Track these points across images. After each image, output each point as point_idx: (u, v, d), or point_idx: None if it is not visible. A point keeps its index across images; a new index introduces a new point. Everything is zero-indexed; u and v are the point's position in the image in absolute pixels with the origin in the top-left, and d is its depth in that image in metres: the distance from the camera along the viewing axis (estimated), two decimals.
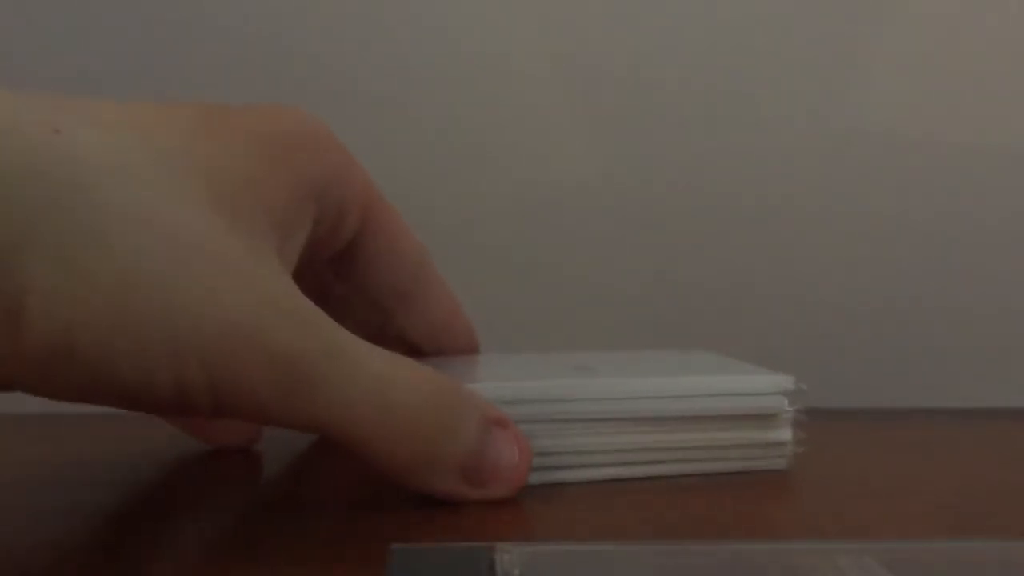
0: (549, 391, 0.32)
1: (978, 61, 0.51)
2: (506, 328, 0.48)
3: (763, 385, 0.33)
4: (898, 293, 0.52)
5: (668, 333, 0.49)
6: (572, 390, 0.32)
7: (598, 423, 0.32)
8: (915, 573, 0.22)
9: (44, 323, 0.20)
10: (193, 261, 0.22)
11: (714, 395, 0.33)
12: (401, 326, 0.33)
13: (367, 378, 0.24)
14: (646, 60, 0.51)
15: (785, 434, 0.33)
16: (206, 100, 0.27)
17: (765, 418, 0.33)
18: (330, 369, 0.23)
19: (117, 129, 0.23)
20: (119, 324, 0.21)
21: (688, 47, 0.51)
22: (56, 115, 0.21)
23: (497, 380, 0.31)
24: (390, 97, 0.49)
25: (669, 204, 0.51)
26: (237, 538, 0.26)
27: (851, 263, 0.51)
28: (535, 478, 0.31)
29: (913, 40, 0.51)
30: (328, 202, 0.27)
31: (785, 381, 0.33)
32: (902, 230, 0.51)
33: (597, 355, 0.39)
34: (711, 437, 0.33)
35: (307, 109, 0.28)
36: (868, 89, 0.51)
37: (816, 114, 0.51)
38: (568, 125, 0.50)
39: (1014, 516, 0.29)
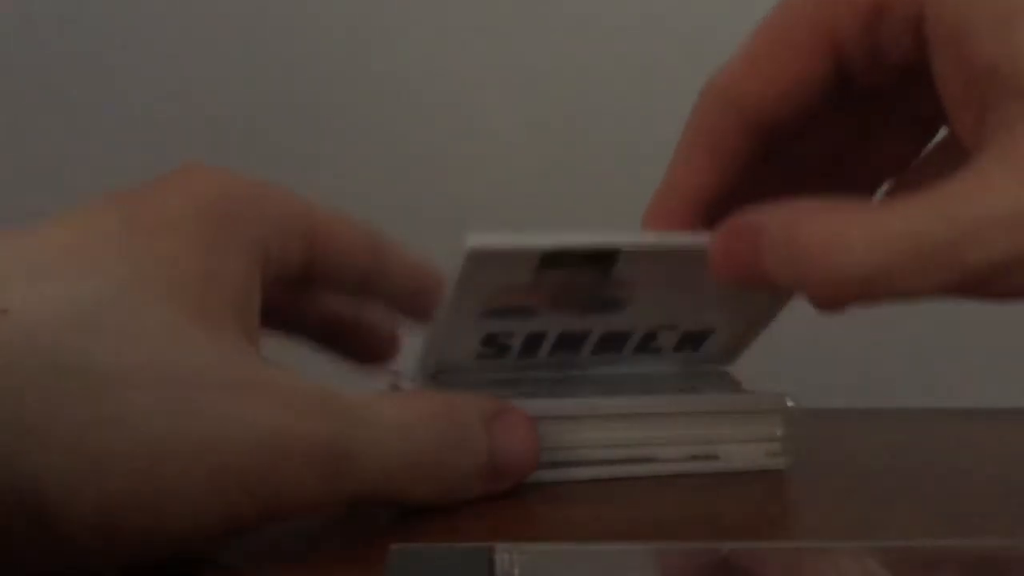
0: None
1: None
2: None
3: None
4: None
5: None
6: (568, 384, 0.32)
7: (595, 420, 0.32)
8: (915, 573, 0.22)
9: (73, 510, 0.20)
10: (198, 393, 0.22)
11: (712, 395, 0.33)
12: (380, 306, 0.33)
13: (390, 436, 0.25)
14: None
15: (782, 432, 0.33)
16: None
17: (763, 416, 0.33)
18: (358, 442, 0.24)
19: (56, 279, 0.22)
20: (151, 488, 0.21)
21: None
22: None
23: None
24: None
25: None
26: (238, 538, 0.26)
27: None
28: (538, 476, 0.31)
29: None
30: (273, 255, 0.27)
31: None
32: None
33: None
34: (710, 435, 0.33)
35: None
36: None
37: None
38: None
39: (1014, 516, 0.29)
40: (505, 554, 0.21)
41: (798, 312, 0.51)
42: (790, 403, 0.34)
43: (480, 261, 0.27)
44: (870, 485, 0.32)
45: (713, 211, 0.29)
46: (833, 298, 0.24)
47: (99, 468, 0.20)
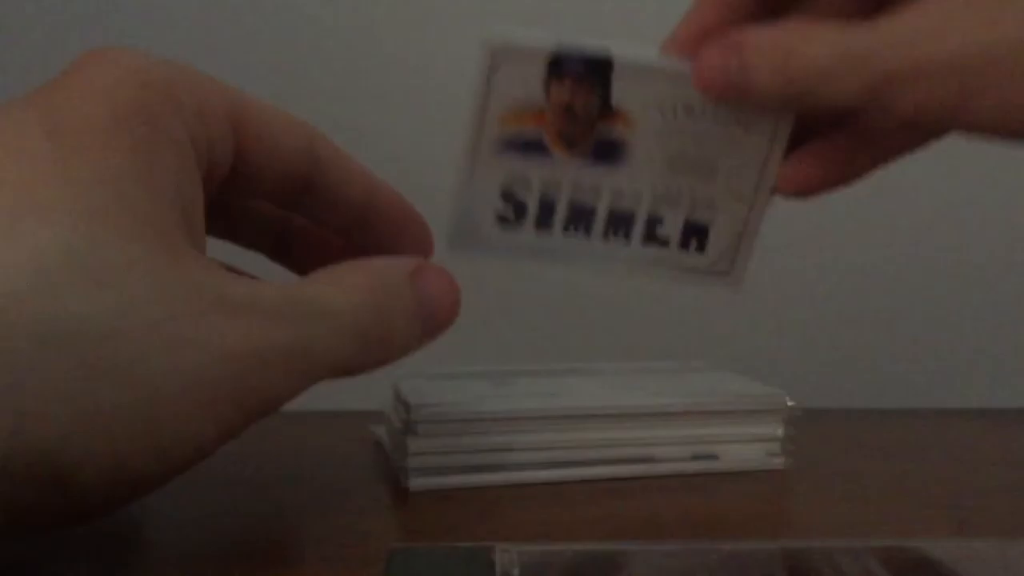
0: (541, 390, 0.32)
1: None
2: (495, 345, 0.48)
3: (760, 390, 0.33)
4: (898, 293, 0.52)
5: (666, 338, 0.49)
6: (564, 387, 0.32)
7: (595, 420, 0.32)
8: (915, 573, 0.22)
9: (89, 469, 0.21)
10: (176, 327, 0.22)
11: (711, 393, 0.33)
12: (319, 216, 0.31)
13: (343, 323, 0.25)
14: None
15: (783, 432, 0.33)
16: None
17: (763, 416, 0.33)
18: (321, 339, 0.25)
19: (7, 240, 0.21)
20: (156, 429, 0.21)
21: None
22: None
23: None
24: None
25: None
26: (238, 538, 0.26)
27: (850, 263, 0.51)
28: (538, 476, 0.31)
29: None
30: (201, 146, 0.26)
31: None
32: (901, 229, 0.51)
33: (594, 364, 0.39)
34: (710, 435, 0.33)
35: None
36: None
37: None
38: None
39: (1014, 516, 0.29)
40: (505, 554, 0.21)
41: (798, 312, 0.51)
42: (790, 403, 0.34)
43: (497, 58, 0.29)
44: (870, 485, 0.32)
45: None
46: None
47: (103, 423, 0.20)
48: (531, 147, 0.31)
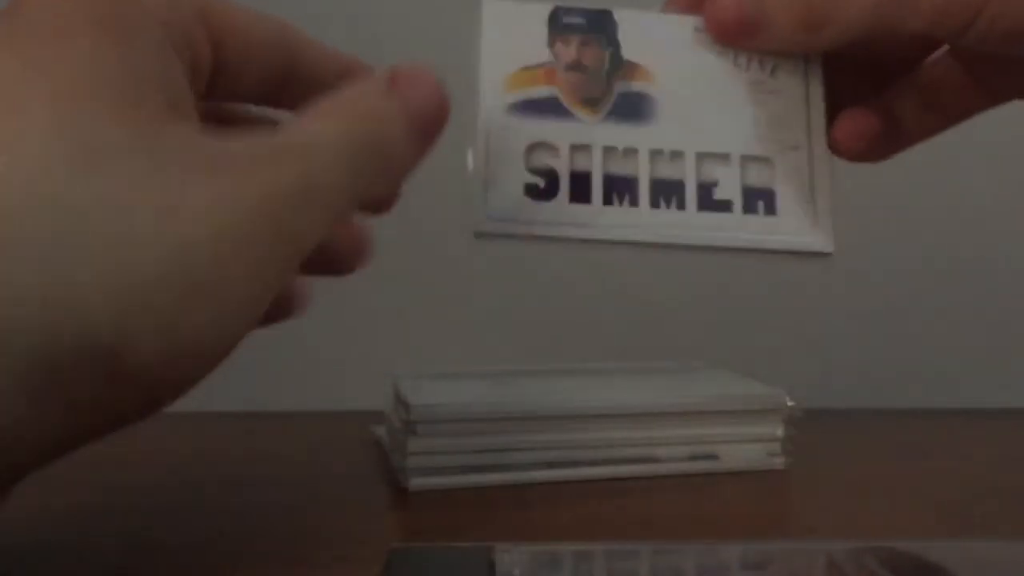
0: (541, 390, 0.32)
1: None
2: (495, 345, 0.48)
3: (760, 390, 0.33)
4: (897, 293, 0.52)
5: (666, 338, 0.49)
6: (566, 389, 0.32)
7: (595, 420, 0.32)
8: (915, 573, 0.22)
9: (138, 333, 0.20)
10: (193, 177, 0.22)
11: (711, 394, 0.33)
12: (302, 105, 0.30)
13: (339, 153, 0.25)
14: None
15: (783, 432, 0.33)
16: None
17: (763, 416, 0.33)
18: (323, 171, 0.24)
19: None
20: (178, 282, 0.20)
21: None
22: None
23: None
24: None
25: None
26: (238, 538, 0.26)
27: (850, 263, 0.51)
28: (538, 476, 0.31)
29: None
30: (178, 40, 0.25)
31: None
32: (900, 229, 0.51)
33: (594, 364, 0.39)
34: (710, 435, 0.33)
35: None
36: None
37: None
38: None
39: (1014, 516, 0.29)
40: (505, 554, 0.21)
41: (798, 312, 0.51)
42: (790, 403, 0.34)
43: (496, 18, 0.29)
44: (870, 485, 0.32)
45: None
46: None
47: (133, 286, 0.20)
48: (547, 106, 0.29)
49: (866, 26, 0.27)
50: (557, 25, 0.29)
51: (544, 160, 0.29)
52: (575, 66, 0.29)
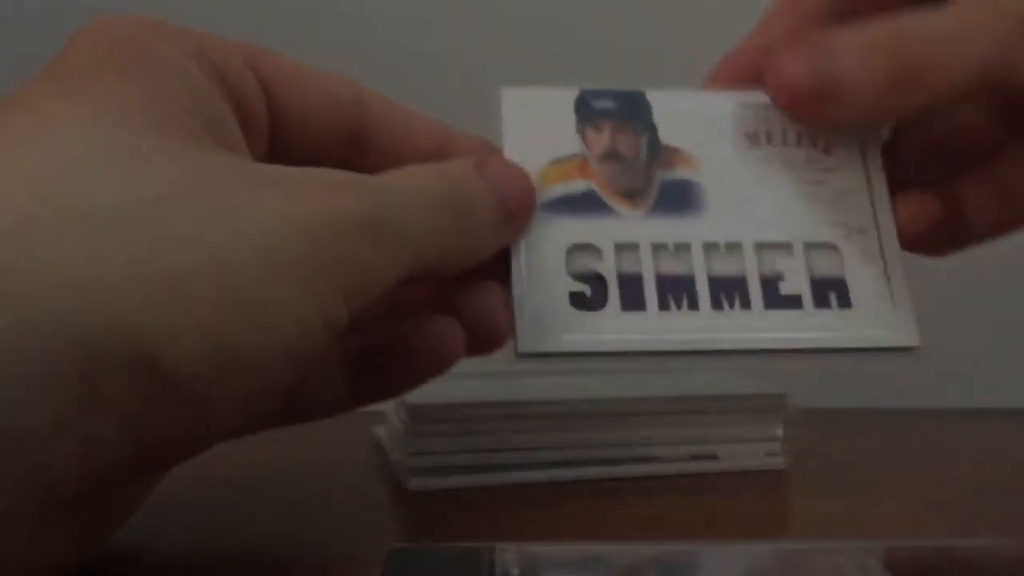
0: (540, 390, 0.32)
1: None
2: None
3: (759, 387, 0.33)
4: None
5: None
6: (566, 387, 0.32)
7: (595, 420, 0.32)
8: (915, 573, 0.22)
9: (175, 342, 0.19)
10: (234, 196, 0.20)
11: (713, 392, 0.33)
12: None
13: (415, 199, 0.23)
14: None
15: (782, 432, 0.33)
16: None
17: (763, 416, 0.33)
18: (393, 209, 0.23)
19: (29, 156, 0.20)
20: (238, 296, 0.19)
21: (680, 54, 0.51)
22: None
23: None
24: None
25: None
26: (237, 539, 0.26)
27: None
28: (538, 476, 0.31)
29: None
30: (220, 68, 0.24)
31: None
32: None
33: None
34: (710, 435, 0.33)
35: None
36: None
37: None
38: None
39: (1014, 516, 0.29)
40: (506, 554, 0.21)
41: None
42: (790, 403, 0.34)
43: (520, 111, 0.26)
44: (870, 485, 0.32)
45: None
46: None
47: (175, 289, 0.19)
48: (585, 203, 0.26)
49: (969, 85, 0.24)
50: (586, 111, 0.27)
51: (588, 263, 0.26)
52: (610, 155, 0.27)
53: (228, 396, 0.20)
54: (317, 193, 0.21)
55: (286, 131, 0.26)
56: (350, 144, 0.27)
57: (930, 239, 0.28)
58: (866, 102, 0.25)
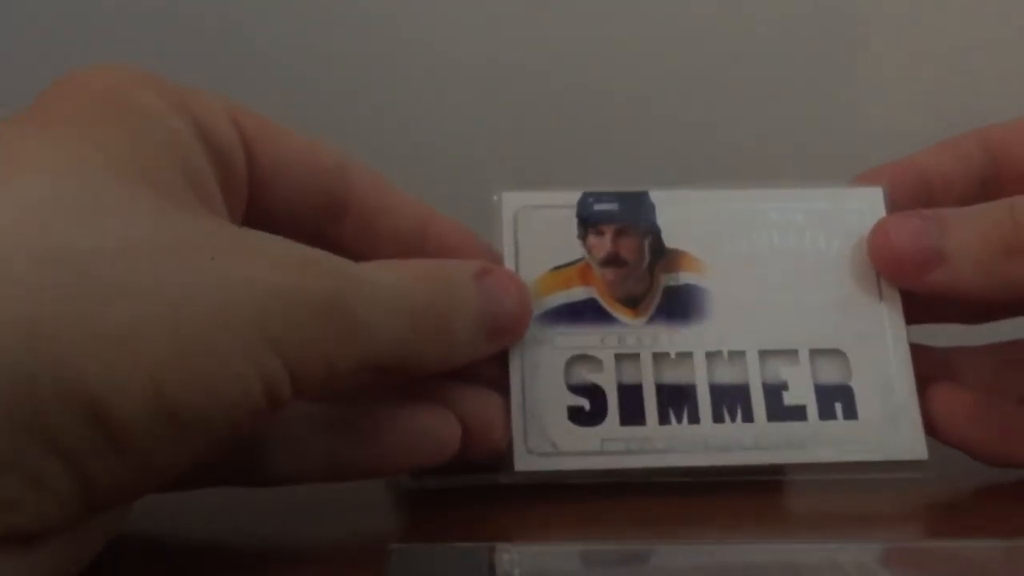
0: None
1: (975, 59, 0.51)
2: None
3: None
4: None
5: None
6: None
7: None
8: (915, 573, 0.22)
9: (123, 394, 0.19)
10: (196, 259, 0.20)
11: None
12: (365, 250, 0.28)
13: (387, 294, 0.23)
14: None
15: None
16: None
17: None
18: (361, 299, 0.22)
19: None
20: (186, 354, 0.19)
21: (682, 54, 0.51)
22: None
23: None
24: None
25: None
26: (236, 538, 0.26)
27: None
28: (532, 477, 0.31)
29: (910, 39, 0.51)
30: (201, 122, 0.24)
31: None
32: None
33: None
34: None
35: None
36: (864, 88, 0.51)
37: (814, 116, 0.51)
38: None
39: (1014, 516, 0.29)
40: (505, 554, 0.21)
41: None
42: None
43: (519, 217, 0.26)
44: (871, 485, 0.32)
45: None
46: None
47: (123, 340, 0.19)
48: (585, 311, 0.26)
49: None
50: (588, 214, 0.26)
51: (586, 375, 0.26)
52: (612, 260, 0.26)
53: (168, 450, 0.20)
54: (282, 265, 0.21)
55: (265, 190, 0.26)
56: (327, 211, 0.27)
57: (973, 435, 0.28)
58: (972, 270, 0.26)
